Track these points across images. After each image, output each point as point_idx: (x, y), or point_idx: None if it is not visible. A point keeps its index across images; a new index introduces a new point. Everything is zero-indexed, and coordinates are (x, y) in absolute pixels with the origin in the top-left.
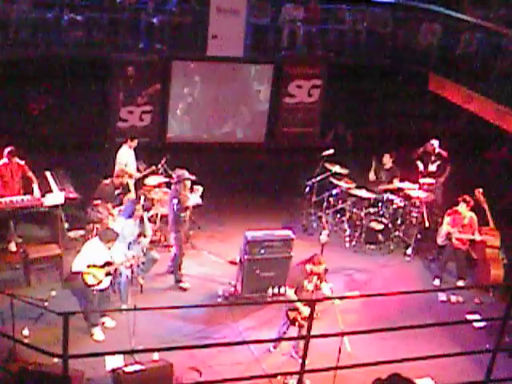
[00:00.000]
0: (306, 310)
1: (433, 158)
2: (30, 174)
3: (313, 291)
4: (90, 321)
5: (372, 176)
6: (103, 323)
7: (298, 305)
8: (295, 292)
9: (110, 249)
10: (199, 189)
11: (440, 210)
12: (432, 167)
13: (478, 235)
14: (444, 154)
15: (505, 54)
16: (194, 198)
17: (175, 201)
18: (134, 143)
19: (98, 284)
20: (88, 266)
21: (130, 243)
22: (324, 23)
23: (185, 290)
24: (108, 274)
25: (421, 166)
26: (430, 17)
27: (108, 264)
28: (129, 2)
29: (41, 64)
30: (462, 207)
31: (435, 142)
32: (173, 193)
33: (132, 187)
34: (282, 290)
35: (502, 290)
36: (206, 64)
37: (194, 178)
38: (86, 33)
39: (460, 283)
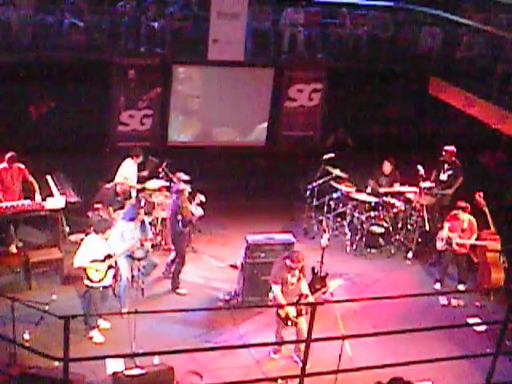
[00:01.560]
0: (292, 310)
1: (446, 166)
2: (31, 178)
3: (297, 283)
4: (89, 323)
5: (370, 190)
6: (99, 325)
7: (282, 301)
8: (281, 288)
9: (106, 240)
10: (200, 197)
11: (442, 215)
12: (443, 176)
13: (474, 239)
14: (458, 163)
15: (505, 58)
16: (197, 210)
17: (179, 217)
18: (139, 159)
19: (104, 279)
20: (90, 262)
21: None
22: (325, 27)
23: (183, 295)
24: (110, 267)
25: (421, 169)
26: (430, 20)
27: (108, 257)
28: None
29: (41, 68)
30: (459, 213)
31: (453, 149)
32: (174, 208)
33: (133, 194)
34: None
35: (503, 293)
36: (206, 68)
37: (189, 188)
38: (87, 36)
39: (461, 287)
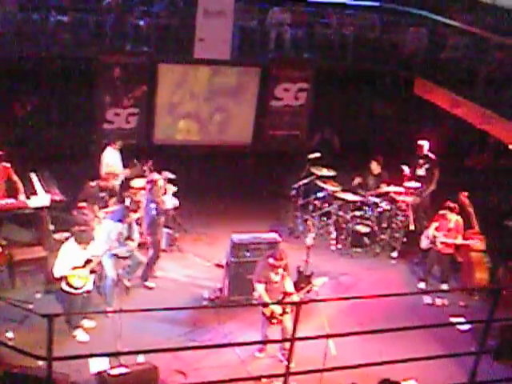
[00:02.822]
0: (277, 308)
1: (421, 161)
2: (15, 178)
3: (281, 282)
4: (71, 323)
5: (356, 182)
6: (82, 325)
7: (267, 300)
8: (265, 287)
9: (85, 249)
10: (172, 188)
11: (426, 214)
12: (420, 171)
13: (461, 239)
14: (433, 156)
15: (491, 59)
16: (171, 200)
17: (153, 205)
18: (118, 145)
19: (86, 284)
20: (71, 269)
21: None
22: (311, 27)
23: (150, 288)
24: (92, 271)
25: (406, 169)
26: (416, 21)
27: (89, 261)
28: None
29: (27, 65)
30: (447, 213)
31: (424, 143)
32: (149, 197)
33: (117, 189)
34: None
35: (487, 292)
36: (192, 66)
37: (163, 177)
38: (73, 34)
39: (444, 287)
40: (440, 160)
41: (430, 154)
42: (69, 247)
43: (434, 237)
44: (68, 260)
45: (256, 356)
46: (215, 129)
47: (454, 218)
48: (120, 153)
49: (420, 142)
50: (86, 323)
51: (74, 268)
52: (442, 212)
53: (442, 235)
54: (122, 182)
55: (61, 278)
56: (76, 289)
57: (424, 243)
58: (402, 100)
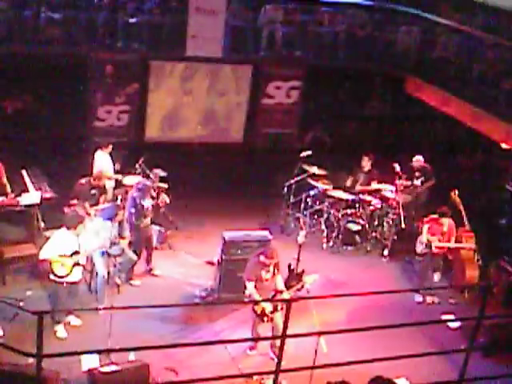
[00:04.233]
0: (268, 305)
1: (417, 173)
2: (5, 180)
3: (271, 279)
4: (54, 318)
5: (349, 183)
6: (69, 322)
7: (257, 298)
8: (255, 285)
9: (77, 236)
10: (163, 186)
11: (417, 213)
12: (417, 182)
13: (453, 242)
14: (429, 167)
15: (481, 58)
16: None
17: (133, 210)
18: (109, 149)
19: (68, 275)
20: (57, 256)
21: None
22: (303, 25)
23: (137, 286)
24: (77, 264)
25: (397, 167)
26: (408, 20)
27: (76, 253)
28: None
29: (17, 62)
30: (439, 217)
31: (420, 158)
32: (130, 201)
33: (110, 189)
34: None
35: (477, 290)
36: (184, 64)
37: (156, 185)
38: (64, 31)
39: (436, 275)
40: (432, 157)
41: (426, 166)
42: (60, 234)
43: (429, 241)
44: (57, 246)
45: (247, 353)
46: (207, 126)
47: (446, 222)
48: (110, 155)
49: (416, 158)
50: (73, 320)
51: (60, 255)
52: (434, 216)
53: (437, 239)
54: (116, 184)
55: (46, 264)
56: (58, 277)
57: (419, 248)
58: (394, 98)
